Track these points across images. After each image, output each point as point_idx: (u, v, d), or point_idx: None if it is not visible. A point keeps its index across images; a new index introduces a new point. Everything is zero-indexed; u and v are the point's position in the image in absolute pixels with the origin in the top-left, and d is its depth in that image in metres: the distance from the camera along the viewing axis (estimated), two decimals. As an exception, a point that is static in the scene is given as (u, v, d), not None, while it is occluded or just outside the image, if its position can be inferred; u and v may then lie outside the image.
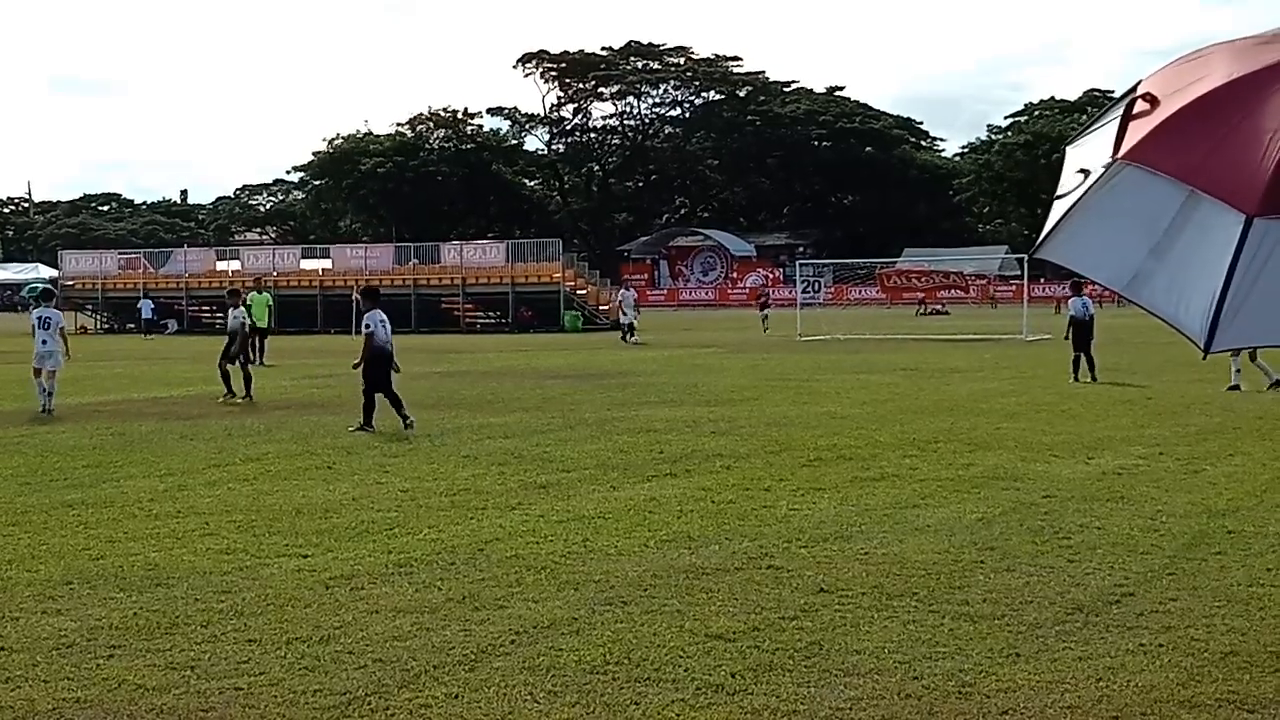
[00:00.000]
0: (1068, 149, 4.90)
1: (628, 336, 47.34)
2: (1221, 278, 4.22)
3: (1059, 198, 4.63)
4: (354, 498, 12.85)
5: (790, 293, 73.94)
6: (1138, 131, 4.44)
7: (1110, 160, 4.46)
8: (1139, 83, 4.71)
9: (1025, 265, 55.48)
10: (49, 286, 27.87)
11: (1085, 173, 4.57)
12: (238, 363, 24.36)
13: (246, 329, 25.25)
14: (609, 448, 16.42)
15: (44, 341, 21.75)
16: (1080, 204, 4.48)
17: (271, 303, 37.67)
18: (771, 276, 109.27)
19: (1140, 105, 4.51)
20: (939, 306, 75.69)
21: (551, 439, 17.38)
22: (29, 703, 6.65)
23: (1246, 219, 4.15)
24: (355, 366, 18.97)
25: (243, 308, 26.05)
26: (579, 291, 65.32)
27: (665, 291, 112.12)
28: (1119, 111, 4.66)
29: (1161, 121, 4.41)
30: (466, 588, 8.96)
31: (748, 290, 70.47)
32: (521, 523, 11.41)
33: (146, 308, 65.35)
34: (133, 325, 69.10)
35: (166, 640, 7.74)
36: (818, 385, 25.92)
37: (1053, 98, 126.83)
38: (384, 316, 19.16)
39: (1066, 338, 27.39)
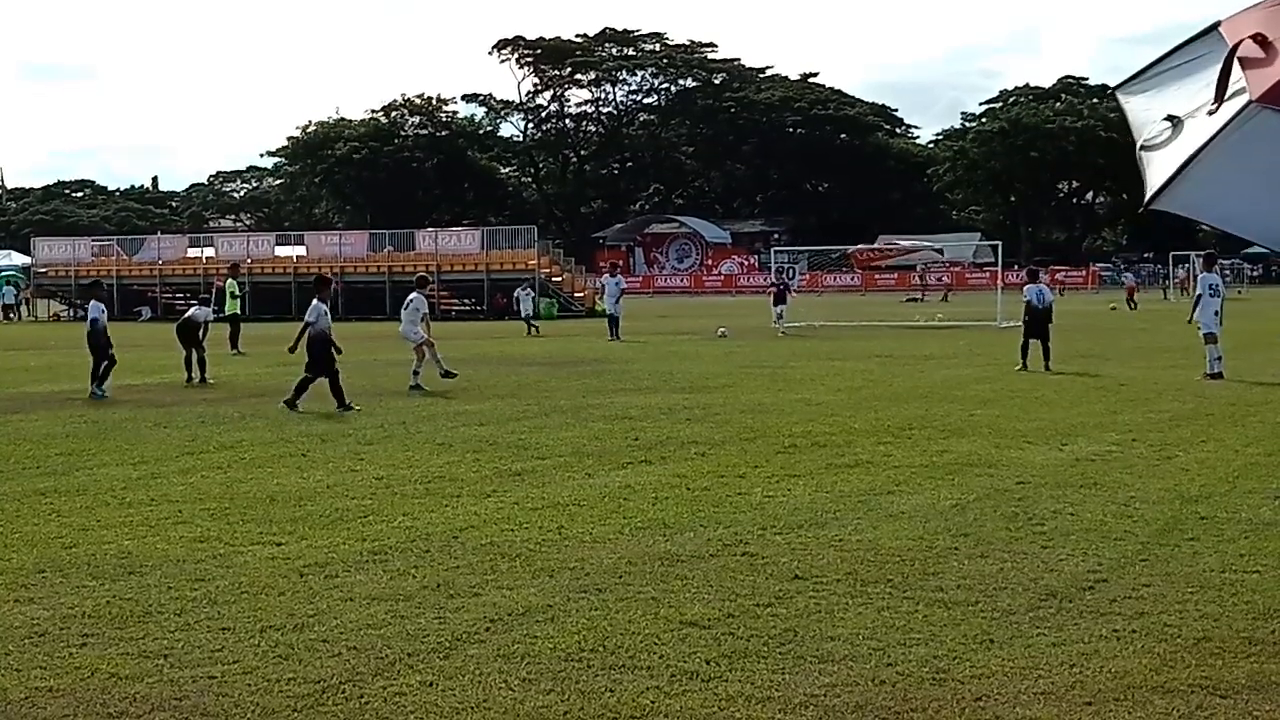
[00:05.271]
0: (1121, 95, 4.56)
1: (612, 334, 39.84)
2: None
3: (1146, 148, 4.29)
4: (328, 485, 12.82)
5: (765, 280, 73.94)
6: (1266, 75, 4.07)
7: (1215, 106, 4.11)
8: (1218, 23, 4.39)
9: (999, 252, 55.50)
10: (423, 275, 28.48)
11: (1174, 119, 4.25)
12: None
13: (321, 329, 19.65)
14: (584, 435, 16.40)
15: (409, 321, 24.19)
16: (1207, 151, 4.09)
17: (237, 291, 37.75)
18: (747, 263, 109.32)
19: (1249, 47, 4.15)
20: (917, 296, 75.81)
21: (526, 426, 17.36)
22: (1, 691, 6.62)
23: None
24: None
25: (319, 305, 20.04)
26: (554, 279, 65.15)
27: (641, 278, 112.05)
28: (1199, 52, 4.32)
29: None
30: (441, 575, 8.95)
31: (770, 276, 67.38)
32: (496, 510, 11.39)
33: (9, 294, 72.01)
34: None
35: (140, 628, 7.71)
36: (792, 372, 25.95)
37: (1027, 85, 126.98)
38: (104, 308, 22.72)
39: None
